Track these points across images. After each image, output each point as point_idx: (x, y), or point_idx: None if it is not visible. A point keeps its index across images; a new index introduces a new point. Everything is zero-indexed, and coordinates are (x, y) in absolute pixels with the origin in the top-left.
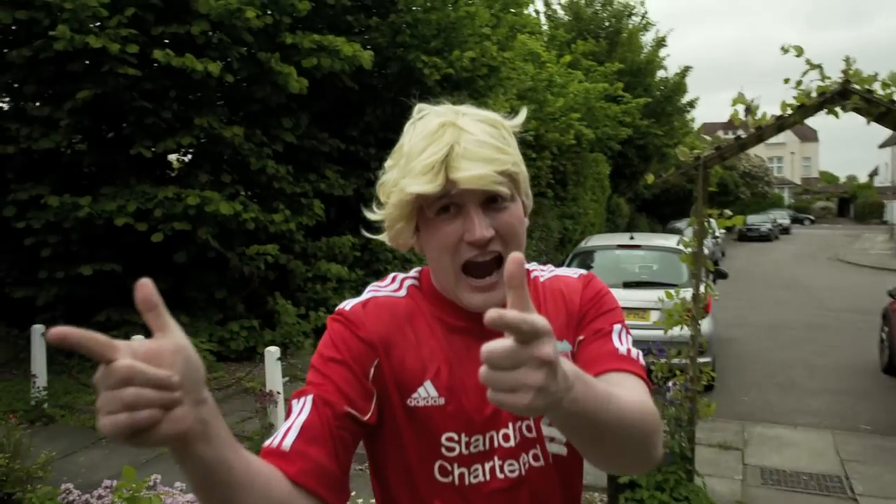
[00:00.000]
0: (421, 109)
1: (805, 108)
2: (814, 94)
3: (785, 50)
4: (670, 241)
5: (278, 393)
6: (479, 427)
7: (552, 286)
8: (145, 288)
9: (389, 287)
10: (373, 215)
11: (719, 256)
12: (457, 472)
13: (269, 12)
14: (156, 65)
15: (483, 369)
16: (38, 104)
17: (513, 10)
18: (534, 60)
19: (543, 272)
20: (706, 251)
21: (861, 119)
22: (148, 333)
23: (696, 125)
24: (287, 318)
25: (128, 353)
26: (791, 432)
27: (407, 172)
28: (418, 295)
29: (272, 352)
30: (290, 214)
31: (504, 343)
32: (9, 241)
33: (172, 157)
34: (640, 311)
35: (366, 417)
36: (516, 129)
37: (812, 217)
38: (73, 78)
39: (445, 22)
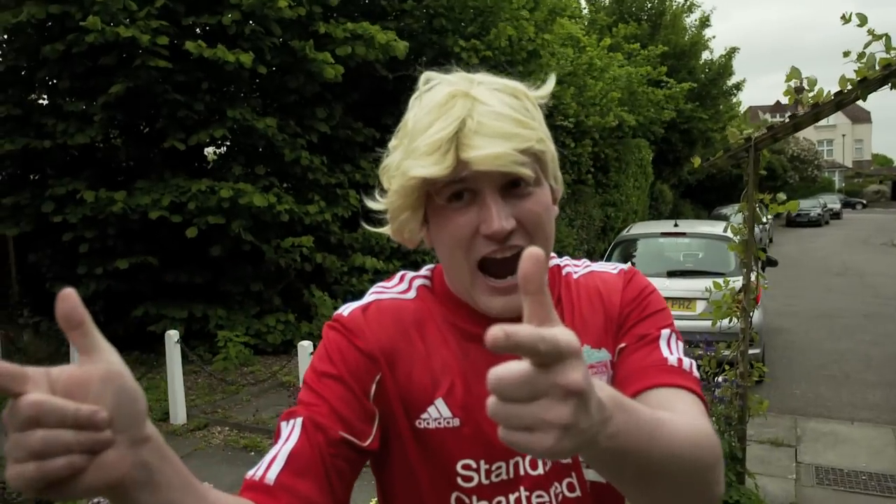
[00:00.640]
0: (429, 79)
1: (868, 81)
2: (877, 67)
3: (846, 19)
4: (716, 227)
5: None
6: (502, 452)
7: (588, 284)
8: (68, 300)
9: (396, 288)
10: (375, 204)
11: (766, 243)
12: None
13: (301, 2)
14: (188, 58)
15: (492, 402)
16: (72, 99)
17: None
18: (574, 45)
19: (578, 268)
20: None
21: None
22: (189, 328)
23: (742, 109)
24: (324, 310)
25: (42, 383)
26: (847, 428)
27: (411, 153)
28: (429, 297)
29: (305, 346)
30: (325, 206)
31: (517, 367)
32: (49, 236)
33: (209, 151)
34: (685, 301)
35: (366, 443)
36: (543, 100)
37: (864, 201)
38: (106, 72)
39: (483, 5)
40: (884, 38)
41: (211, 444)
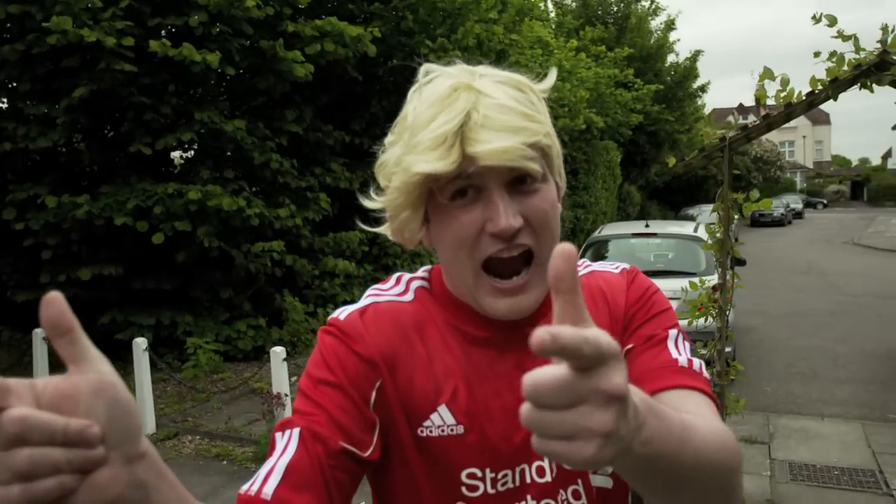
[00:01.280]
0: (428, 71)
1: (839, 82)
2: (845, 68)
3: (817, 19)
4: (685, 228)
5: (286, 395)
6: (508, 460)
7: (589, 284)
8: (54, 305)
9: (393, 290)
10: (371, 203)
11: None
12: None
13: (269, 2)
14: (154, 60)
15: (526, 410)
16: (34, 102)
17: None
18: (542, 47)
19: (578, 267)
20: (711, 238)
21: (873, 100)
22: (157, 336)
23: (707, 111)
24: (295, 315)
25: (26, 396)
26: (818, 424)
27: (412, 148)
28: (428, 299)
29: (277, 352)
30: (296, 209)
31: (556, 372)
32: (10, 244)
33: (175, 155)
34: None
35: (366, 454)
36: (545, 93)
37: (825, 201)
38: (68, 74)
39: (451, 7)
40: (853, 39)
41: (182, 453)
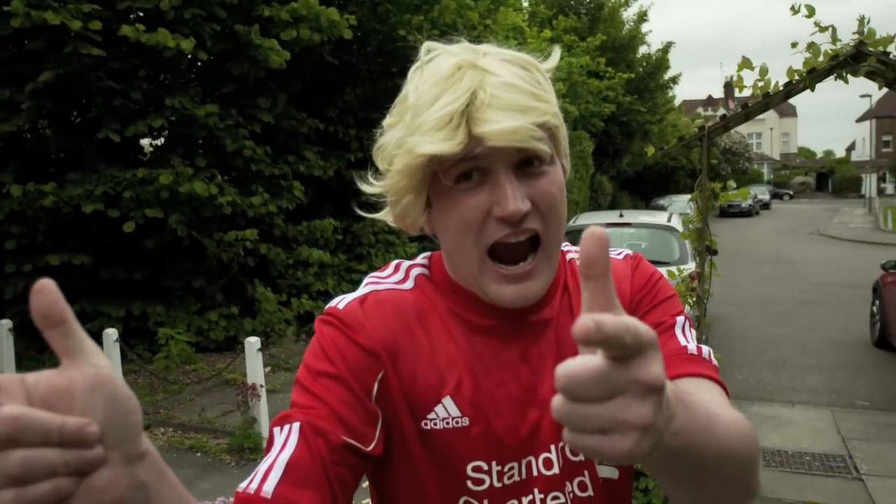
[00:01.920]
0: (430, 49)
1: (816, 72)
2: (821, 59)
3: (795, 10)
4: (658, 217)
5: (261, 386)
6: (514, 452)
7: None
8: (45, 293)
9: (392, 278)
10: (369, 188)
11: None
12: None
13: None
14: (124, 48)
15: (559, 402)
16: None
17: None
18: (517, 36)
19: (609, 252)
20: (687, 228)
21: (838, 94)
22: (127, 326)
23: (677, 102)
24: (268, 306)
25: (17, 392)
26: (789, 411)
27: (416, 129)
28: (429, 287)
29: (252, 343)
30: (269, 198)
31: (591, 362)
32: None
33: (144, 142)
34: None
35: (369, 448)
36: (550, 72)
37: (791, 192)
38: (34, 58)
39: None
40: (830, 30)
41: (154, 446)
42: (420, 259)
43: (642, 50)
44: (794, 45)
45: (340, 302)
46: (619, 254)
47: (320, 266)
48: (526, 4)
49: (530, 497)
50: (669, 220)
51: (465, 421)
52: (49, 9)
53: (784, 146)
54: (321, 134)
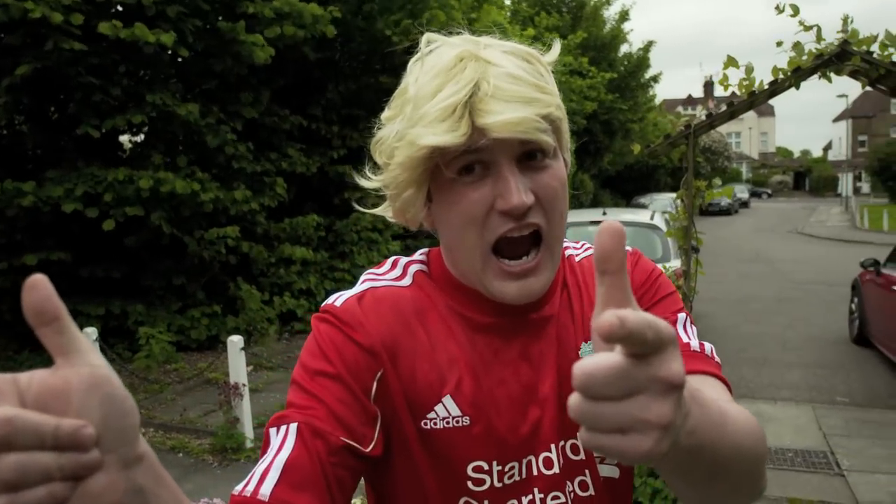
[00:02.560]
0: (430, 40)
1: (801, 71)
2: (805, 58)
3: (780, 10)
4: (640, 215)
5: (244, 385)
6: (515, 451)
7: (592, 267)
8: (38, 289)
9: (389, 274)
10: (368, 182)
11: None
12: None
13: None
14: (103, 43)
15: (576, 401)
16: None
17: None
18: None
19: (577, 249)
20: (672, 226)
21: (815, 94)
22: (106, 326)
23: (657, 101)
24: (251, 304)
25: (8, 393)
26: (771, 407)
27: (417, 121)
28: (428, 284)
29: (235, 342)
30: (251, 195)
31: (610, 360)
32: None
33: (124, 139)
34: None
35: (368, 449)
36: (551, 65)
37: (769, 191)
38: (11, 52)
39: None
40: (814, 30)
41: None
42: (418, 255)
43: (624, 49)
44: (779, 43)
45: (338, 299)
46: None
47: (303, 264)
48: (508, 2)
49: (530, 497)
50: (652, 217)
51: (466, 420)
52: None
53: (762, 145)
54: (304, 131)
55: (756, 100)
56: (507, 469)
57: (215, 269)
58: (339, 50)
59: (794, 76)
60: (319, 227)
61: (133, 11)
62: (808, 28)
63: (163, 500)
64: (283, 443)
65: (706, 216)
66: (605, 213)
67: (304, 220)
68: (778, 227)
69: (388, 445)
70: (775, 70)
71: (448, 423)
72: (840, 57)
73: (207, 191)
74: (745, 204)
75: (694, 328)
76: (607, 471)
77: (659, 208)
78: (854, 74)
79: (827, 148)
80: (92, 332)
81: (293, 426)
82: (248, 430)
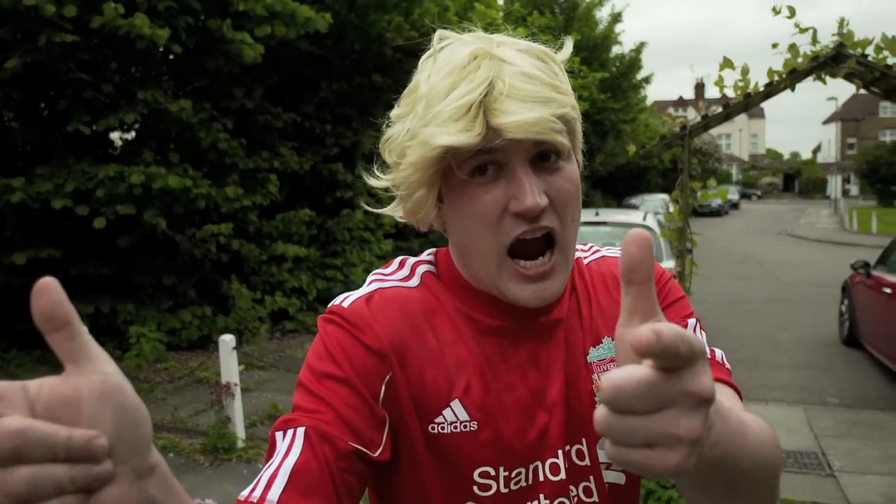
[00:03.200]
0: (443, 37)
1: (796, 73)
2: (800, 59)
3: (776, 11)
4: (632, 216)
5: (235, 385)
6: (522, 457)
7: (601, 270)
8: (48, 293)
9: (397, 274)
10: (377, 181)
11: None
12: None
13: None
14: (95, 39)
15: (603, 414)
16: None
17: None
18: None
19: (586, 252)
20: (668, 227)
21: (805, 97)
22: (95, 324)
23: (648, 103)
24: (242, 303)
25: (18, 402)
26: (762, 408)
27: (430, 120)
28: (436, 285)
29: (227, 341)
30: (243, 192)
31: (639, 373)
32: None
33: (115, 136)
34: None
35: (376, 453)
36: (564, 64)
37: (759, 192)
38: (2, 46)
39: None
40: (810, 32)
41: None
42: (425, 255)
43: (615, 50)
44: (774, 45)
45: (345, 300)
46: None
47: (295, 262)
48: (501, 2)
49: (536, 503)
50: (645, 218)
51: (474, 425)
52: None
53: (752, 147)
54: (296, 129)
55: (751, 101)
56: (513, 475)
57: (206, 268)
58: (332, 47)
59: (790, 78)
60: (311, 225)
61: (126, 7)
62: (803, 30)
63: None
64: (290, 447)
65: (697, 217)
66: (597, 214)
67: (297, 215)
68: (768, 228)
69: (395, 450)
70: (770, 72)
71: (456, 427)
72: (835, 59)
73: (199, 186)
74: (735, 205)
75: (704, 334)
76: (613, 477)
77: (650, 209)
78: (849, 77)
79: (816, 150)
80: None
81: (300, 430)
82: (239, 429)
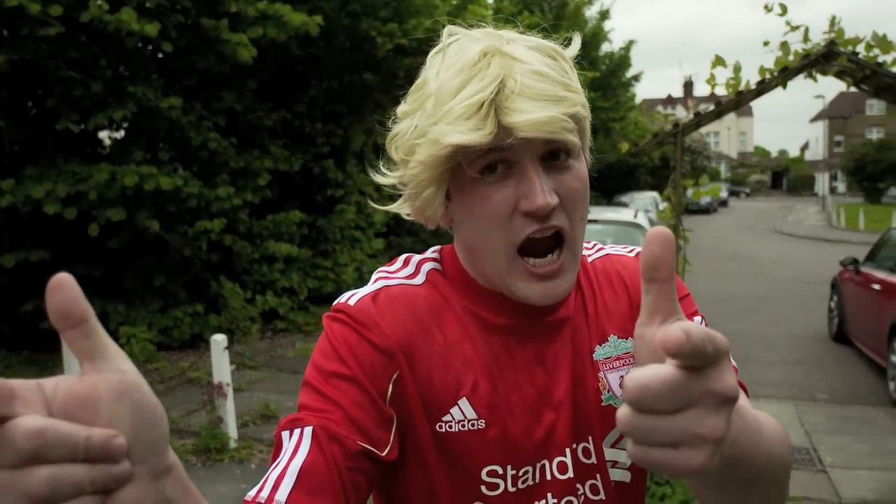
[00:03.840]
0: (451, 32)
1: (788, 70)
2: (790, 57)
3: (768, 9)
4: (623, 214)
5: (227, 385)
6: (529, 456)
7: (606, 268)
8: (64, 290)
9: (402, 272)
10: (384, 179)
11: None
12: None
13: None
14: (82, 37)
15: (626, 414)
16: None
17: None
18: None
19: (589, 250)
20: (651, 225)
21: (793, 95)
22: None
23: (637, 101)
24: (234, 302)
25: (35, 401)
26: (754, 405)
27: (440, 117)
28: (442, 283)
29: (219, 341)
30: (234, 191)
31: (664, 372)
32: None
33: (103, 135)
34: None
35: (384, 453)
36: (574, 61)
37: (748, 190)
38: None
39: None
40: (801, 30)
41: None
42: (430, 253)
43: (605, 47)
44: (765, 43)
45: (350, 298)
46: (631, 251)
47: (286, 261)
48: (491, 0)
49: (543, 501)
50: (635, 216)
51: (482, 423)
52: None
53: (741, 145)
54: (287, 128)
55: (744, 98)
56: (521, 473)
57: (197, 268)
58: (323, 46)
59: (782, 76)
60: (302, 225)
61: (113, 5)
62: (794, 28)
63: None
64: (297, 447)
65: (686, 215)
66: (588, 212)
67: (288, 217)
68: (757, 225)
69: (402, 449)
70: (762, 70)
71: (463, 426)
72: (827, 57)
73: (190, 186)
74: (723, 203)
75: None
76: (619, 475)
77: (640, 207)
78: (840, 74)
79: (804, 148)
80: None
81: (308, 430)
82: (231, 430)
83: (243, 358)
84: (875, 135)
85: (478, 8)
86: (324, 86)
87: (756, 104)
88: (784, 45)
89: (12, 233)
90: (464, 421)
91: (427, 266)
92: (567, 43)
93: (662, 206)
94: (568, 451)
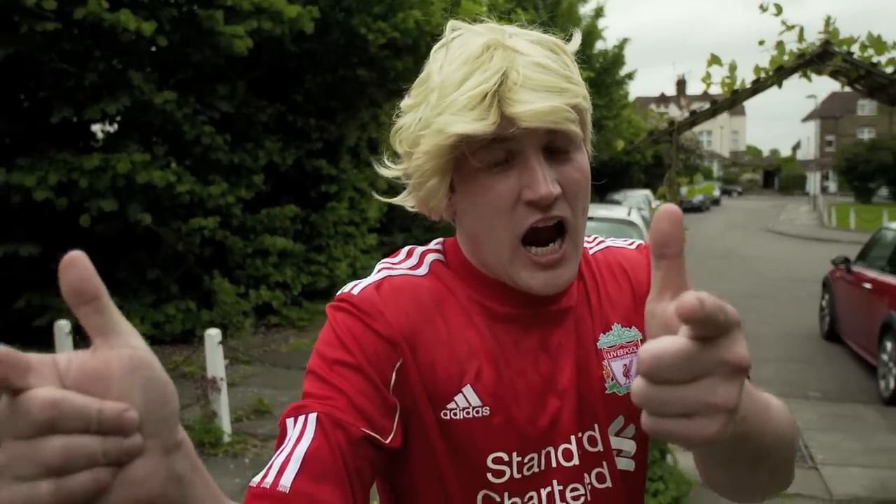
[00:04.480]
0: (455, 27)
1: (783, 70)
2: (785, 57)
3: (763, 8)
4: (616, 212)
5: (221, 379)
6: (534, 443)
7: (608, 260)
8: (77, 267)
9: (405, 263)
10: (388, 171)
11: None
12: None
13: None
14: (76, 30)
15: (641, 386)
16: None
17: None
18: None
19: (590, 242)
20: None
21: (785, 95)
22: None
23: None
24: (225, 297)
25: (48, 375)
26: None
27: (444, 109)
28: (446, 273)
29: (213, 335)
30: (228, 188)
31: (678, 343)
32: None
33: (96, 128)
34: None
35: (388, 440)
36: (574, 55)
37: (740, 189)
38: None
39: None
40: (797, 30)
41: None
42: (433, 245)
43: (599, 45)
44: (761, 42)
45: (354, 288)
46: (632, 244)
47: (280, 255)
48: None
49: (549, 489)
50: (629, 214)
51: (486, 411)
52: None
53: (733, 144)
54: (281, 123)
55: (739, 98)
56: (526, 460)
57: (190, 262)
58: (317, 41)
59: (777, 75)
60: (296, 220)
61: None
62: (790, 28)
63: (198, 487)
64: (302, 433)
65: None
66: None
67: (282, 211)
68: (749, 224)
69: (407, 437)
70: (757, 69)
71: (468, 413)
72: (822, 57)
73: (184, 182)
74: (716, 202)
75: None
76: (624, 464)
77: (633, 204)
78: (834, 74)
79: (796, 147)
80: (65, 324)
81: (312, 416)
82: (225, 424)
83: (237, 352)
84: (866, 135)
85: (471, 4)
86: (318, 81)
87: (748, 103)
88: (780, 45)
89: (2, 224)
90: (468, 408)
91: (430, 257)
92: (568, 38)
93: (655, 203)
94: (573, 438)
